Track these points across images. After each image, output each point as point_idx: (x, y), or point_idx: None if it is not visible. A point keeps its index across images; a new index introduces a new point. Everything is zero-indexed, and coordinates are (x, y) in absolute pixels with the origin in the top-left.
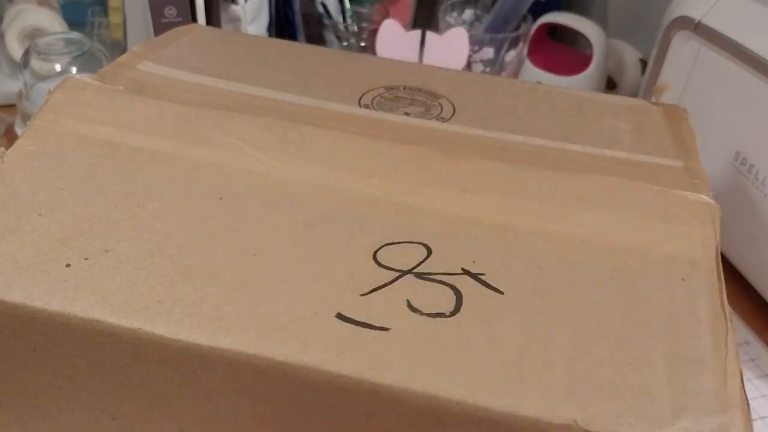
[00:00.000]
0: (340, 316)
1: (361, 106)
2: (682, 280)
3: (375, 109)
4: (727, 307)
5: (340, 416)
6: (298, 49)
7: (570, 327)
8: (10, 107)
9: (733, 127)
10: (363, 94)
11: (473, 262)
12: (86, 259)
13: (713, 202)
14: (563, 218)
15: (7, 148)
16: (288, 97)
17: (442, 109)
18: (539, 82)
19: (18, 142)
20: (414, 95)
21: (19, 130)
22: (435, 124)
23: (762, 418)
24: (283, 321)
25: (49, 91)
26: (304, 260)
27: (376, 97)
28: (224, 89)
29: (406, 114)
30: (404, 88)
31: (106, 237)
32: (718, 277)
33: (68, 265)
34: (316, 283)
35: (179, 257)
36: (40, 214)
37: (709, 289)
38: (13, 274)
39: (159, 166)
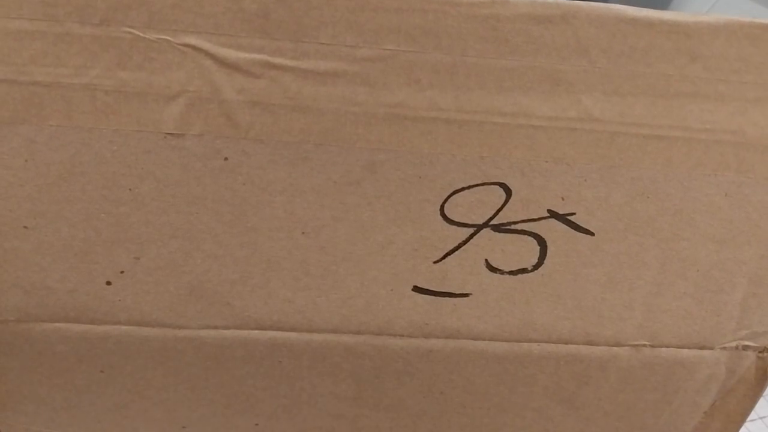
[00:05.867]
0: (417, 289)
1: None
2: None
3: None
4: None
5: (422, 379)
6: None
7: (660, 262)
8: None
9: None
10: None
11: (562, 199)
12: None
13: None
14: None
15: None
16: None
17: None
18: None
19: None
20: None
21: None
22: None
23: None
24: (361, 304)
25: None
26: (360, 229)
27: None
28: None
29: None
30: None
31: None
32: None
33: (122, 272)
34: (381, 257)
35: (222, 251)
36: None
37: None
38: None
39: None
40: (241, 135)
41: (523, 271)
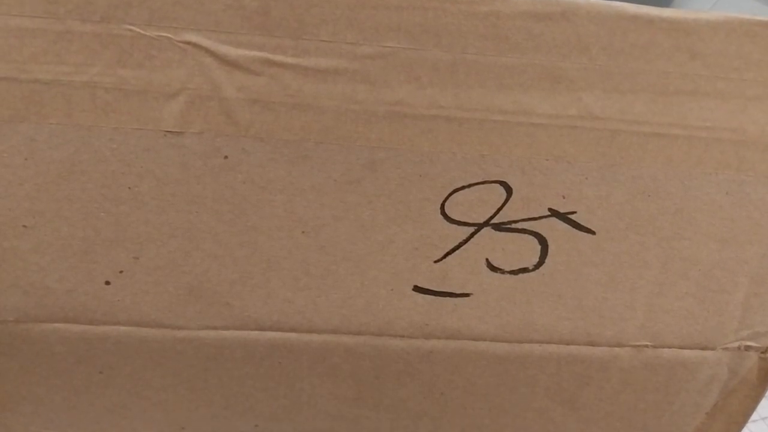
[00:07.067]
0: (417, 289)
1: None
2: None
3: None
4: None
5: (422, 380)
6: None
7: (662, 261)
8: None
9: None
10: None
11: (563, 197)
12: (136, 258)
13: None
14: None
15: None
16: None
17: None
18: None
19: None
20: None
21: None
22: None
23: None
24: (361, 305)
25: None
26: (361, 228)
27: None
28: None
29: None
30: None
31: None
32: None
33: (121, 272)
34: (382, 256)
35: (222, 251)
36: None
37: None
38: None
39: None
40: (241, 133)
41: (524, 270)
